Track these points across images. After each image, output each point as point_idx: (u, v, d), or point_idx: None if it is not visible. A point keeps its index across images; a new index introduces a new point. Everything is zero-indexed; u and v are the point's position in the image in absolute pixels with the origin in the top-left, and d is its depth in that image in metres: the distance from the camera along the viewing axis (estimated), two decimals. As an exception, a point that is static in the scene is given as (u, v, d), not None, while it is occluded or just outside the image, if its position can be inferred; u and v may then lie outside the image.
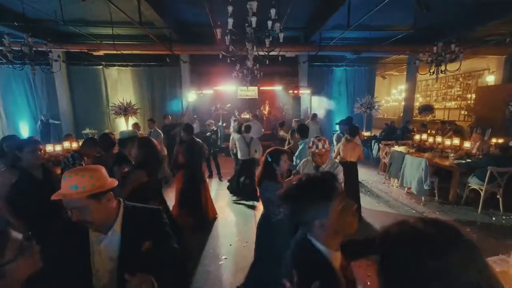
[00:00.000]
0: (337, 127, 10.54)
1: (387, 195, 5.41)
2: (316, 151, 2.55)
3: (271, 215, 2.13)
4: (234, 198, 5.22)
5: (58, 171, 4.45)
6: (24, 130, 9.55)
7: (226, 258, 3.28)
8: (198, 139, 4.17)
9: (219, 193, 5.50)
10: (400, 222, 0.70)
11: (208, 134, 6.52)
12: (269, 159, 2.23)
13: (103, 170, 1.26)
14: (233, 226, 4.15)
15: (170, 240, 1.37)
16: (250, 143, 5.15)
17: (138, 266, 1.17)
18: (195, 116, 9.23)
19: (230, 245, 3.58)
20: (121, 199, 1.33)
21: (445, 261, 0.59)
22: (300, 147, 3.81)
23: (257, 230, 2.40)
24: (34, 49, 4.87)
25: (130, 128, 8.40)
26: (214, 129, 6.89)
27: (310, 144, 2.63)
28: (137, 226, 1.27)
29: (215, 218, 4.29)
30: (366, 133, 9.01)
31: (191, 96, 9.56)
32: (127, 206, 1.31)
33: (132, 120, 8.81)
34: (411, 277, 0.62)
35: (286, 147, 4.28)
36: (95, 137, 3.99)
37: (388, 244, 0.67)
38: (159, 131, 6.31)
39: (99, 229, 1.24)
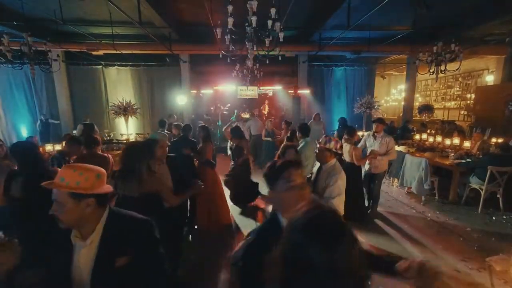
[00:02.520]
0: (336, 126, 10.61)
1: (387, 195, 5.41)
2: (326, 147, 2.47)
3: None
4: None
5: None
6: (24, 130, 9.52)
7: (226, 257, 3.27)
8: (192, 139, 4.24)
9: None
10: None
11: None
12: (281, 154, 2.91)
13: (100, 174, 1.18)
14: (234, 226, 4.13)
15: (157, 259, 1.23)
16: None
17: (112, 283, 1.12)
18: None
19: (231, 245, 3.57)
20: (110, 206, 1.23)
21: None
22: (301, 145, 3.79)
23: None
24: (33, 48, 4.86)
25: (129, 128, 8.41)
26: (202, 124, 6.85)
27: (321, 139, 2.57)
28: (119, 238, 1.16)
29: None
30: (365, 133, 9.01)
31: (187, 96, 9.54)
32: (112, 215, 1.20)
33: (131, 120, 8.79)
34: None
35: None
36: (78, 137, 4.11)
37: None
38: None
39: (80, 234, 1.16)
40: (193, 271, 3.01)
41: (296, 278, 0.70)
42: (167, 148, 2.54)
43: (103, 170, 1.23)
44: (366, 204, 4.50)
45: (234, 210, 4.56)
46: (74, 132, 7.03)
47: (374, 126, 4.22)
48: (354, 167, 3.96)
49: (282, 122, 6.62)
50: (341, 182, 2.27)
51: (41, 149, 4.99)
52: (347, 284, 0.70)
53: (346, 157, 4.04)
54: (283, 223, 1.12)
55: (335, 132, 7.38)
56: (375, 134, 4.20)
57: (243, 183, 4.62)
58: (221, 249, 3.47)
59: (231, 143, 4.76)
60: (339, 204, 2.23)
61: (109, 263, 1.12)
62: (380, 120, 4.29)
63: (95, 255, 1.14)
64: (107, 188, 1.20)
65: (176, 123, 6.07)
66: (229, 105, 10.78)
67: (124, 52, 8.16)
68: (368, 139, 4.40)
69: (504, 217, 4.27)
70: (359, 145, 4.43)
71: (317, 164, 2.61)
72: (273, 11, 3.59)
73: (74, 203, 1.09)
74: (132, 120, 8.72)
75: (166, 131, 5.92)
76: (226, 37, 3.97)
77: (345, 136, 4.13)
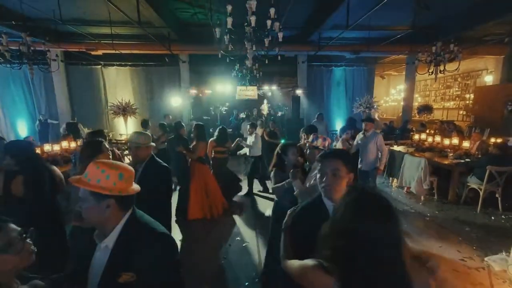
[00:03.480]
0: (337, 127, 10.61)
1: (386, 195, 5.40)
2: (313, 144, 2.53)
3: (280, 199, 2.54)
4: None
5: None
6: (22, 130, 9.50)
7: (225, 258, 3.27)
8: (184, 137, 4.55)
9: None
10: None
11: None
12: (279, 152, 2.61)
13: (123, 173, 1.10)
14: (233, 226, 4.13)
15: (169, 282, 1.09)
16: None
17: None
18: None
19: (230, 245, 3.57)
20: (134, 210, 1.14)
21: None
22: None
23: (272, 214, 2.78)
24: (32, 48, 4.84)
25: (128, 128, 8.41)
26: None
27: (309, 138, 2.60)
28: (131, 250, 1.05)
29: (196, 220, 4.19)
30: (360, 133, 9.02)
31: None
32: (131, 221, 1.11)
33: (131, 120, 8.79)
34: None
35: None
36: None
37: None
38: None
39: (100, 234, 1.11)
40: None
41: (354, 251, 0.81)
42: (141, 152, 2.24)
43: (129, 169, 1.14)
44: None
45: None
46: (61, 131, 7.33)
47: (363, 124, 4.40)
48: None
49: (270, 122, 6.79)
50: None
51: (39, 149, 4.99)
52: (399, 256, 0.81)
53: None
54: (326, 201, 1.30)
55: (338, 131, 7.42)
56: (365, 132, 4.33)
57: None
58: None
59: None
60: None
61: (115, 276, 1.02)
62: (369, 119, 4.49)
63: (106, 261, 1.06)
64: (131, 190, 1.11)
65: (160, 122, 6.22)
66: (228, 104, 10.77)
67: (123, 52, 8.15)
68: (359, 137, 4.49)
69: (503, 216, 4.27)
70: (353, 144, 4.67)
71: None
72: (272, 11, 3.59)
73: (94, 202, 1.05)
74: (131, 120, 8.72)
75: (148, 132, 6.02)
76: (225, 37, 3.97)
77: (339, 133, 4.39)
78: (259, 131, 6.22)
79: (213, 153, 4.72)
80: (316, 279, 0.88)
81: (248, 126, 5.45)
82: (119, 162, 1.17)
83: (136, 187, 1.15)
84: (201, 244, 3.59)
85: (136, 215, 1.14)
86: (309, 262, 0.94)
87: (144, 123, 6.17)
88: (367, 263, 0.79)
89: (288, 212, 1.35)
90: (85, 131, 7.95)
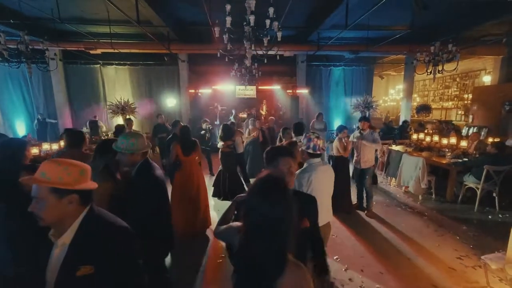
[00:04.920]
0: (335, 127, 10.63)
1: (385, 194, 5.44)
2: (305, 150, 2.15)
3: None
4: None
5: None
6: (21, 129, 9.47)
7: (223, 256, 3.28)
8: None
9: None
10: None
11: (202, 132, 6.54)
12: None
13: (84, 169, 1.13)
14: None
15: (130, 274, 1.13)
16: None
17: None
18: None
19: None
20: (92, 207, 1.15)
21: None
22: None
23: None
24: (30, 47, 4.83)
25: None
26: (210, 127, 6.92)
27: (301, 139, 2.32)
28: (90, 244, 1.07)
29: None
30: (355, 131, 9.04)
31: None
32: (89, 216, 1.12)
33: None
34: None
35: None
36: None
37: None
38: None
39: (55, 232, 1.11)
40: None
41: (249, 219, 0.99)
42: (126, 158, 1.93)
43: (87, 166, 1.17)
44: (364, 200, 4.57)
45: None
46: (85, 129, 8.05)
47: (360, 124, 4.46)
48: (341, 161, 4.43)
49: (257, 121, 6.87)
50: (313, 179, 2.07)
51: (37, 148, 4.99)
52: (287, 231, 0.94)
53: (335, 151, 4.47)
54: None
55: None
56: (362, 131, 4.40)
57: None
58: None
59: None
60: (321, 201, 2.10)
61: (74, 270, 1.04)
62: (365, 119, 4.56)
63: (63, 258, 1.07)
64: (92, 184, 1.15)
65: (128, 117, 6.48)
66: (226, 104, 10.77)
67: (122, 51, 8.13)
68: (355, 135, 4.56)
69: (499, 215, 4.31)
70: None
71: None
72: (271, 10, 3.59)
73: (55, 200, 1.04)
74: (130, 120, 8.71)
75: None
76: (224, 36, 3.97)
77: (335, 132, 4.65)
78: (252, 130, 6.29)
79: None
80: (233, 235, 1.16)
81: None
82: (75, 161, 1.17)
83: (93, 183, 1.17)
84: (198, 243, 3.59)
85: (94, 210, 1.15)
86: (236, 223, 1.23)
87: (128, 122, 6.48)
88: (252, 227, 0.98)
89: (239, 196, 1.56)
90: (103, 127, 8.71)
